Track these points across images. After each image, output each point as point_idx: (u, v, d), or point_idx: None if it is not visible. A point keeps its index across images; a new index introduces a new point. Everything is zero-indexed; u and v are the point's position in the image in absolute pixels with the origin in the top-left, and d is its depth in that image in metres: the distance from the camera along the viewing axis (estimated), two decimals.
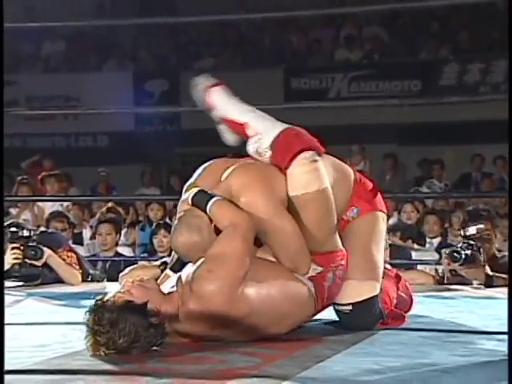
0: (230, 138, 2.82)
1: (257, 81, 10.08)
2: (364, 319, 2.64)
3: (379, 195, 2.76)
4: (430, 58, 10.72)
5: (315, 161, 2.58)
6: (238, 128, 2.72)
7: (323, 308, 2.61)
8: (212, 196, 2.50)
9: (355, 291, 2.63)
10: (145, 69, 11.88)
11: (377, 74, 10.56)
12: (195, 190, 2.53)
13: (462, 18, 11.04)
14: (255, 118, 2.70)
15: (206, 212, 2.46)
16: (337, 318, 2.71)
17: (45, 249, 4.08)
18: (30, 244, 4.05)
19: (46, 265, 4.12)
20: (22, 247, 4.04)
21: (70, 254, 4.31)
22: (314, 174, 2.56)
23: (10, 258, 4.02)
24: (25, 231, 4.10)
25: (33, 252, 4.03)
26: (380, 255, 2.70)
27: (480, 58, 10.33)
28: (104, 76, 11.50)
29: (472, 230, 3.91)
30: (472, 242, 3.86)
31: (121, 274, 3.78)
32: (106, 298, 2.26)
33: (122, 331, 2.17)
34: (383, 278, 2.73)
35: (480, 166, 9.56)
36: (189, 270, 2.44)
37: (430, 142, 9.98)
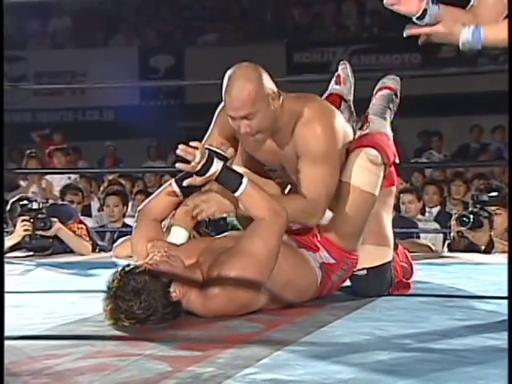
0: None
1: (260, 55, 9.98)
2: (377, 284, 2.65)
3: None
4: None
5: (375, 163, 2.54)
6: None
7: (318, 297, 2.60)
8: (241, 175, 2.33)
9: (370, 256, 2.63)
10: (150, 44, 11.83)
11: (377, 47, 10.52)
12: (219, 165, 2.31)
13: None
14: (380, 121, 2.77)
15: (233, 192, 2.31)
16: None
17: (54, 220, 4.10)
18: (40, 216, 4.07)
19: (56, 237, 4.14)
20: (31, 219, 4.05)
21: (80, 225, 4.33)
22: (368, 174, 2.53)
23: (20, 230, 4.04)
24: (34, 204, 4.11)
25: (42, 224, 4.05)
26: (389, 223, 2.72)
27: None
28: (110, 51, 11.47)
29: (485, 197, 3.94)
30: (483, 208, 3.89)
31: (114, 245, 3.80)
32: (133, 267, 2.23)
33: (142, 303, 2.15)
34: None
35: (478, 136, 9.53)
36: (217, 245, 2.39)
37: (430, 113, 9.95)
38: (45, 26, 12.21)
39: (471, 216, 3.88)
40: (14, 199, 4.35)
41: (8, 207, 4.28)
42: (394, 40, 10.63)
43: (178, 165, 2.30)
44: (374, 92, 2.90)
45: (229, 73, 2.38)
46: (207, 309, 2.27)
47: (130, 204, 5.53)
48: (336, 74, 2.94)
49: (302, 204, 2.40)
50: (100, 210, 6.15)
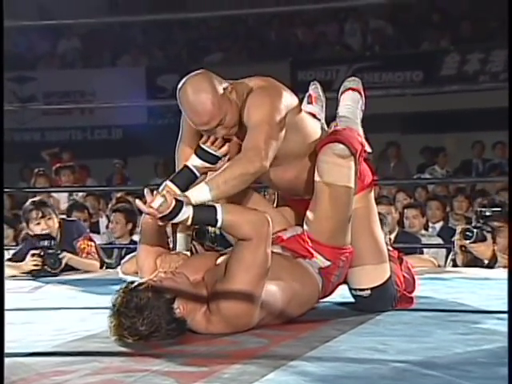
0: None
1: (264, 73, 10.01)
2: (382, 302, 2.65)
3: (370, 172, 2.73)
4: (431, 49, 10.67)
5: (342, 156, 2.51)
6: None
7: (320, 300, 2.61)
8: (214, 208, 2.23)
9: (372, 276, 2.63)
10: (157, 64, 11.87)
11: (380, 65, 10.52)
12: (189, 211, 2.20)
13: (462, 10, 10.98)
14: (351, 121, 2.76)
15: (214, 227, 2.27)
16: (346, 300, 2.73)
17: (63, 254, 4.04)
18: (50, 251, 4.01)
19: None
20: (41, 255, 3.99)
21: (89, 242, 4.31)
22: (338, 168, 2.50)
23: (29, 265, 3.98)
24: (46, 242, 4.07)
25: (52, 260, 3.99)
26: (381, 233, 2.71)
27: (479, 48, 10.28)
28: (118, 71, 11.50)
29: (488, 212, 3.94)
30: (487, 223, 3.89)
31: (122, 262, 3.80)
32: (137, 284, 2.23)
33: (145, 319, 2.15)
34: (389, 260, 2.73)
35: (480, 152, 9.53)
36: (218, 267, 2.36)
37: (432, 130, 9.96)
38: (54, 47, 12.27)
39: (475, 230, 3.88)
40: (29, 202, 4.34)
41: (24, 207, 4.28)
42: (397, 58, 10.68)
43: (137, 203, 2.23)
44: (339, 96, 2.88)
45: (181, 91, 2.39)
46: (210, 331, 2.27)
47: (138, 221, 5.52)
48: (307, 94, 2.95)
49: (240, 158, 2.32)
50: (108, 227, 6.15)
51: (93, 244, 4.32)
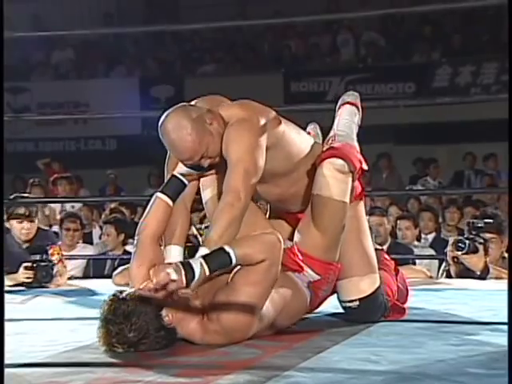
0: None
1: (258, 85, 10.05)
2: (371, 312, 2.65)
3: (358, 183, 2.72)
4: (423, 61, 10.73)
5: (342, 172, 2.52)
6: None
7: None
8: (223, 250, 2.21)
9: (360, 287, 2.63)
10: (151, 75, 11.89)
11: (372, 76, 10.57)
12: (200, 260, 2.18)
13: (454, 23, 11.05)
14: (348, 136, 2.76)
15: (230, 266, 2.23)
16: (338, 310, 2.73)
17: (54, 274, 4.02)
18: (42, 265, 3.99)
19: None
20: (33, 266, 3.96)
21: (60, 251, 4.28)
22: (336, 183, 2.51)
23: (20, 277, 3.95)
24: (37, 255, 4.04)
25: (44, 273, 3.96)
26: (371, 244, 2.71)
27: (471, 61, 10.34)
28: (112, 82, 11.51)
29: (480, 224, 3.95)
30: (479, 234, 3.89)
31: (114, 273, 3.78)
32: (125, 292, 2.23)
33: (133, 325, 2.15)
34: (383, 269, 2.74)
35: (472, 163, 9.57)
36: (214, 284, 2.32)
37: (424, 141, 10.00)
38: (48, 58, 12.28)
39: (467, 241, 3.89)
40: (11, 196, 4.31)
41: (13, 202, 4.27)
42: (389, 70, 10.73)
43: (150, 288, 2.16)
44: (337, 109, 2.89)
45: (162, 128, 2.39)
46: (205, 341, 2.27)
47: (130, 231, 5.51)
48: (306, 131, 2.95)
49: (222, 207, 2.31)
50: (101, 237, 6.14)
51: (62, 253, 4.29)
